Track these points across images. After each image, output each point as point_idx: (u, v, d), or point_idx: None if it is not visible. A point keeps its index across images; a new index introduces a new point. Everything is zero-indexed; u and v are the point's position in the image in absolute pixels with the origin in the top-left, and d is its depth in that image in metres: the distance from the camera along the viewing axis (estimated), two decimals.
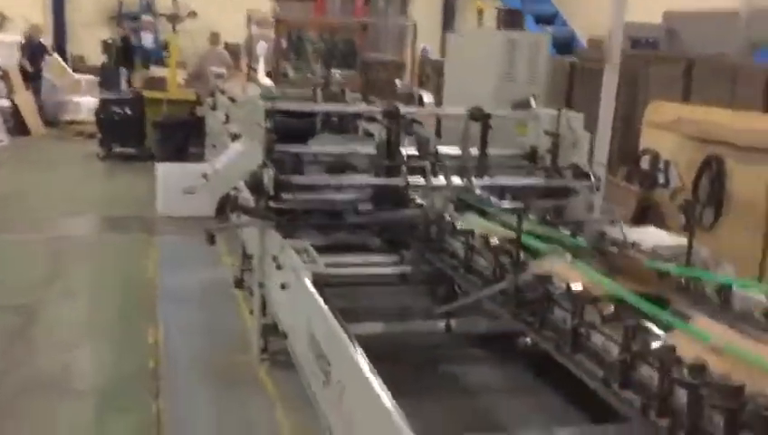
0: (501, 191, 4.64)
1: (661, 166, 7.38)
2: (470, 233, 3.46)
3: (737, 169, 6.54)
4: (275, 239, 4.19)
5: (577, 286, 2.54)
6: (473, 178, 4.53)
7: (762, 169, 6.29)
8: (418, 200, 4.37)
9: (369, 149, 5.01)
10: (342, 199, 4.61)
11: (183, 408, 4.47)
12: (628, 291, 2.53)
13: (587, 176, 4.69)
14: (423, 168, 4.49)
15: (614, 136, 7.79)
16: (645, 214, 7.73)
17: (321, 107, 5.85)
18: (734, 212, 6.61)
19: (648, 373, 2.18)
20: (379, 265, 4.21)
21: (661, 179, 7.37)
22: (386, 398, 2.32)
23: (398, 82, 9.73)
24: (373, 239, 4.49)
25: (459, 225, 3.64)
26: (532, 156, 5.18)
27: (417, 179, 4.50)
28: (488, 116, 4.82)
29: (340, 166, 5.14)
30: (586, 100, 9.18)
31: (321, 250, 4.00)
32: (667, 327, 2.33)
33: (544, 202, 4.62)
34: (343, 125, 6.27)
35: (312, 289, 3.37)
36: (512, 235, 3.14)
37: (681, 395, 2.02)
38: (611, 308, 2.41)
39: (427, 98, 6.72)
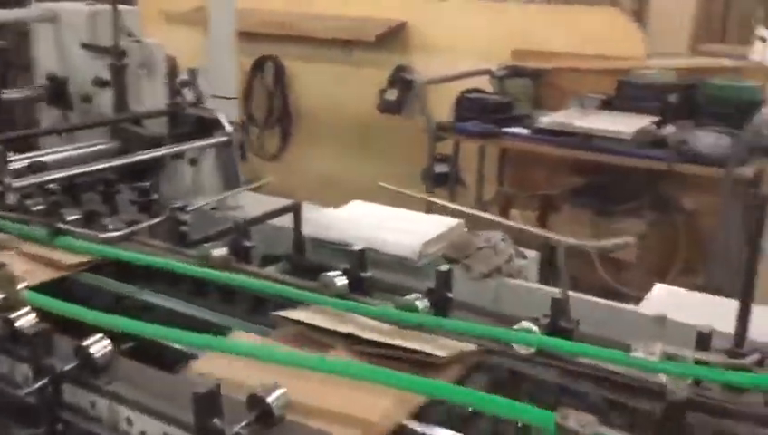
0: None
1: (185, 75, 5.27)
2: None
3: (300, 70, 4.89)
4: None
5: None
6: None
7: (327, 67, 4.75)
8: None
9: None
10: None
11: None
12: None
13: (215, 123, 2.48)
14: None
15: None
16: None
17: None
18: (301, 129, 5.00)
19: None
20: None
21: (189, 95, 5.28)
22: None
23: None
24: None
25: None
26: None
27: None
28: None
29: None
30: None
31: None
32: None
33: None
34: None
35: None
36: None
37: None
38: None
39: None
